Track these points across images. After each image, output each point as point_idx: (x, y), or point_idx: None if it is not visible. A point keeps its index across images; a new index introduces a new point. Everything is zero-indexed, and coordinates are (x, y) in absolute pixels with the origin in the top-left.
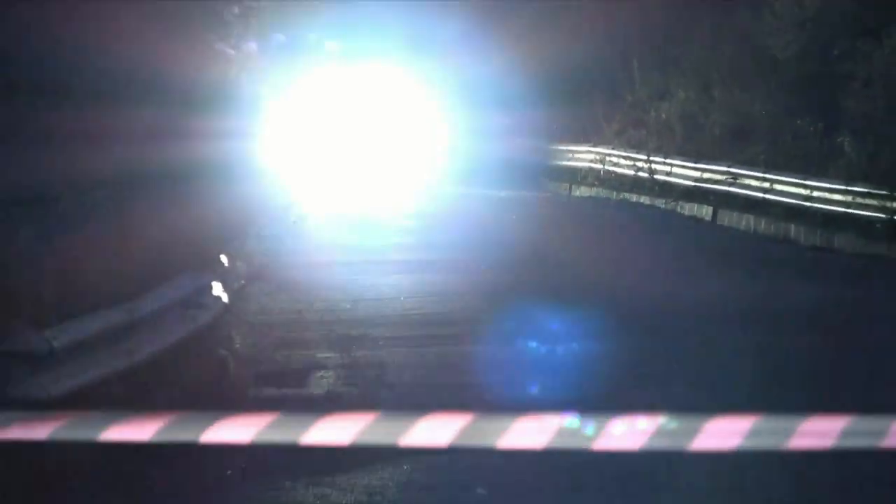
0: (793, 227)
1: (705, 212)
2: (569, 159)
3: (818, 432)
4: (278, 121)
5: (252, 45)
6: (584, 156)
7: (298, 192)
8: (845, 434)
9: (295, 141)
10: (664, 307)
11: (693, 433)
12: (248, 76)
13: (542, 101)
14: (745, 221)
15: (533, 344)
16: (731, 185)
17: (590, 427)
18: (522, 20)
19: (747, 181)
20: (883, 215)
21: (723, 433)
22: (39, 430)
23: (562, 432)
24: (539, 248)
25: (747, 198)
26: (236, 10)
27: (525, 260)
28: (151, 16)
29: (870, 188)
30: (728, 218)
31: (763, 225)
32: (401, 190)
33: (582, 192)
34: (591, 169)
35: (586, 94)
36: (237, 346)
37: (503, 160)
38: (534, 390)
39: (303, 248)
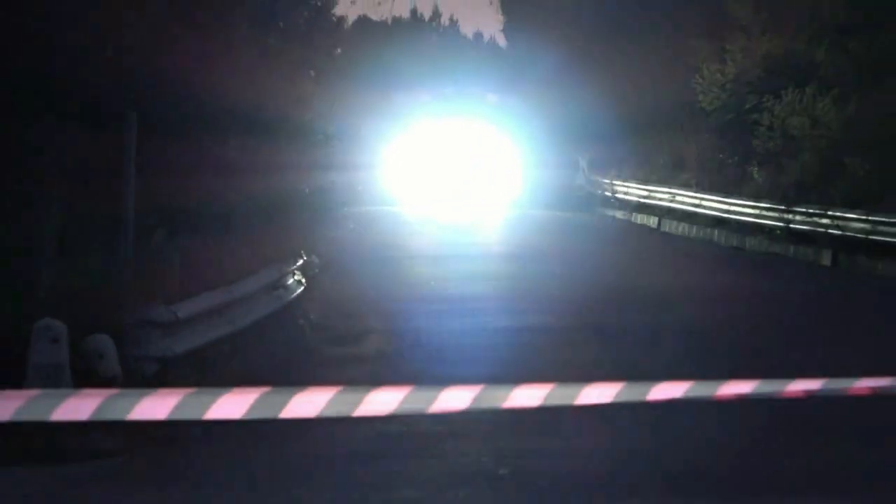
0: (716, 232)
1: (652, 221)
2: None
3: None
4: (384, 155)
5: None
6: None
7: (377, 207)
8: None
9: (401, 170)
10: (617, 287)
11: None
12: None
13: (566, 142)
14: (682, 228)
15: (526, 317)
16: (671, 201)
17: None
18: (551, 95)
19: (683, 198)
20: (781, 224)
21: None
22: (159, 411)
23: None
24: (537, 243)
25: (683, 211)
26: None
27: (528, 254)
28: (284, 77)
29: (772, 204)
30: (669, 226)
31: (694, 231)
32: (461, 207)
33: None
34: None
35: (580, 137)
36: (311, 317)
37: (542, 186)
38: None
39: (363, 247)
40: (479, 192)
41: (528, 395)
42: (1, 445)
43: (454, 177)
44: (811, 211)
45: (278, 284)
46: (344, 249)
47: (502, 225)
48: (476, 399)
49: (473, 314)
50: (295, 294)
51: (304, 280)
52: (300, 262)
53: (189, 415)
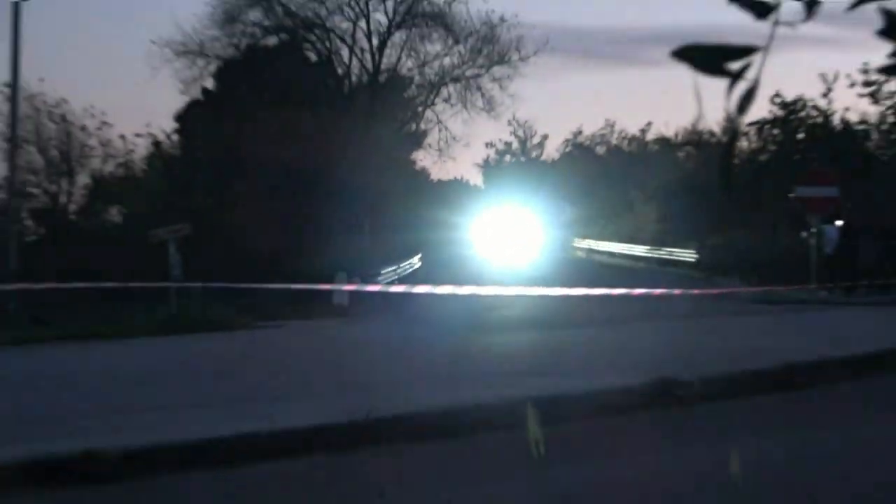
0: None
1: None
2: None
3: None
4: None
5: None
6: None
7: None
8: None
9: (477, 233)
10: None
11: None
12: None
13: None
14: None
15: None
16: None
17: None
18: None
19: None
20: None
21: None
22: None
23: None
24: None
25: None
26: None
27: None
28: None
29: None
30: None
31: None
32: (508, 249)
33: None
34: None
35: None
36: (420, 274)
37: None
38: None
39: (455, 255)
40: (517, 243)
41: (534, 292)
42: (319, 314)
43: (505, 236)
44: (584, 239)
45: (412, 264)
46: (444, 255)
47: (527, 255)
48: (518, 293)
49: (505, 281)
50: (416, 266)
51: (419, 263)
52: (419, 255)
53: (411, 291)
